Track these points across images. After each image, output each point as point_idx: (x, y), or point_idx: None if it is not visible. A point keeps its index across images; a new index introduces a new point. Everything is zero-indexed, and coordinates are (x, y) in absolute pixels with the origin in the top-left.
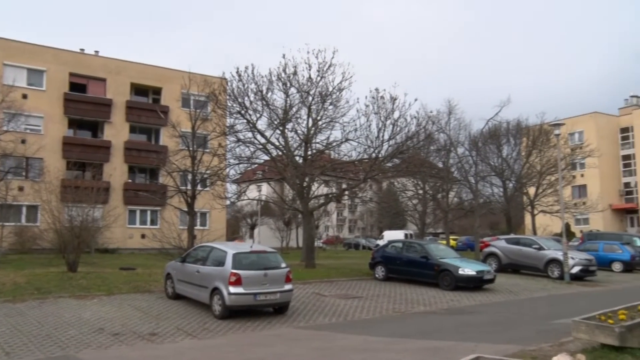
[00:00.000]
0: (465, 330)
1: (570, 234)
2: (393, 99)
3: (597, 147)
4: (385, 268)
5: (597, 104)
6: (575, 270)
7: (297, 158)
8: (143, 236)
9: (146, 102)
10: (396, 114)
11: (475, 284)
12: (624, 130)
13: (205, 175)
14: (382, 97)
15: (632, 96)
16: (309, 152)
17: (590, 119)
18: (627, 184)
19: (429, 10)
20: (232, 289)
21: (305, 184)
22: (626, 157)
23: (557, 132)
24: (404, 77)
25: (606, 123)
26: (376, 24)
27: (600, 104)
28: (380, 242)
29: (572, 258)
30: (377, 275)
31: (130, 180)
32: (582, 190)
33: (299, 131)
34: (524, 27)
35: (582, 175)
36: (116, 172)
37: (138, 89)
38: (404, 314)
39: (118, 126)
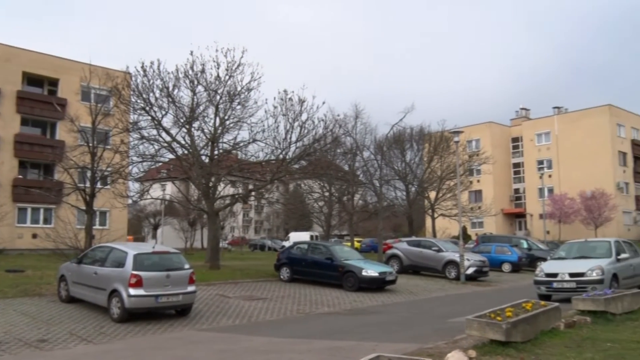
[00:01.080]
0: (367, 330)
1: (466, 237)
2: (301, 101)
3: (492, 155)
4: (290, 269)
5: (493, 114)
6: (470, 271)
7: (203, 157)
8: (34, 236)
9: (41, 93)
10: (304, 116)
11: (378, 285)
12: (515, 139)
13: (106, 173)
14: (290, 99)
15: (522, 108)
16: (216, 152)
17: (486, 128)
18: (517, 190)
19: (341, 14)
20: (132, 291)
21: (211, 184)
22: (516, 165)
23: (456, 139)
24: (313, 80)
25: (500, 133)
26: (287, 25)
27: (496, 114)
28: (286, 244)
29: (468, 260)
30: (282, 277)
31: (20, 176)
32: (477, 195)
33: (205, 130)
34: (430, 36)
35: (478, 181)
36: (4, 167)
37: (31, 79)
38: (308, 314)
39: (7, 118)
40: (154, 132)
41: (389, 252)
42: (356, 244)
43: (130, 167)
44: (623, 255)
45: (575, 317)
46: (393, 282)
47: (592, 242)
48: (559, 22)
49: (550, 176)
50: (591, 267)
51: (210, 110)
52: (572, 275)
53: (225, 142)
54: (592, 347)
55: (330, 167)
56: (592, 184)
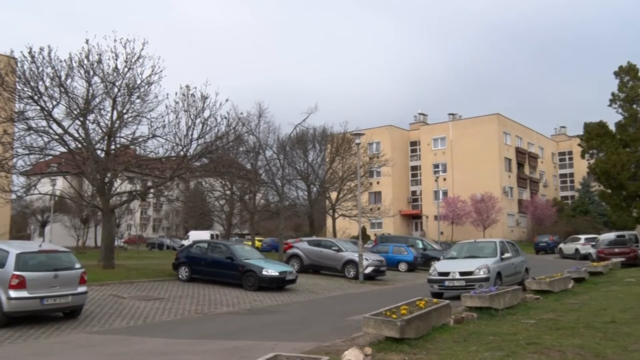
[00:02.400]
0: (267, 329)
1: (365, 237)
2: (204, 98)
3: (391, 158)
4: (189, 269)
5: (393, 118)
6: (369, 270)
7: (98, 152)
8: None
9: None
10: (206, 113)
11: (278, 284)
12: (413, 143)
13: None
14: (192, 95)
15: (420, 113)
16: (113, 147)
17: (386, 131)
18: (414, 192)
19: (249, 14)
20: (13, 293)
21: (107, 180)
22: (414, 168)
23: (357, 141)
24: (217, 77)
25: (399, 136)
26: (191, 21)
27: (396, 118)
28: (186, 243)
29: (366, 259)
30: (180, 276)
31: None
32: (377, 196)
33: (102, 123)
34: (335, 40)
35: (377, 183)
36: None
37: None
38: (207, 315)
39: None
40: (44, 123)
41: (290, 251)
42: (257, 243)
43: (15, 160)
44: (506, 255)
45: (463, 313)
46: (293, 281)
47: (480, 242)
48: (453, 33)
49: (445, 179)
50: (479, 266)
51: (107, 103)
52: (462, 273)
53: (123, 137)
54: (477, 341)
55: (232, 165)
56: (481, 187)
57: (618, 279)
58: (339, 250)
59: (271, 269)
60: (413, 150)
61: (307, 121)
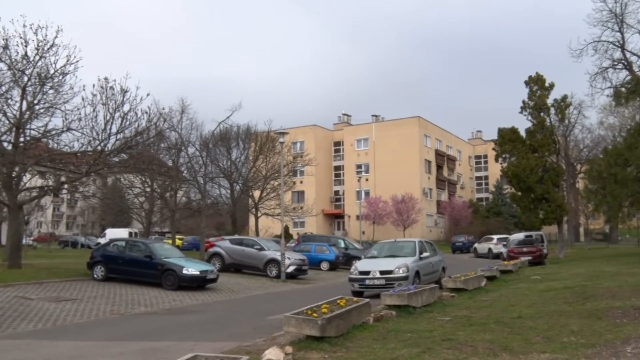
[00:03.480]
0: (186, 329)
1: (288, 236)
2: (124, 91)
3: (315, 157)
4: (105, 268)
5: (318, 118)
6: (291, 269)
7: (5, 144)
8: None
9: None
10: (126, 107)
11: (199, 283)
12: (337, 143)
13: None
14: (112, 88)
15: (344, 114)
16: (22, 139)
17: (310, 131)
18: (337, 192)
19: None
20: None
21: (14, 174)
22: (337, 168)
23: (282, 140)
24: (139, 71)
25: (323, 136)
26: (112, 10)
27: (321, 117)
28: (102, 241)
29: (289, 258)
30: (95, 276)
31: None
32: (300, 195)
33: (9, 114)
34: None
35: (301, 182)
36: None
37: None
38: (123, 315)
39: None
40: None
41: (211, 250)
42: (178, 242)
43: None
44: (425, 254)
45: (383, 311)
46: (214, 280)
47: (400, 242)
48: (377, 36)
49: (367, 180)
50: (398, 265)
51: (16, 92)
52: (382, 272)
53: (33, 129)
54: (395, 338)
55: (152, 161)
56: (402, 188)
57: (525, 277)
58: (262, 249)
59: (192, 268)
60: (337, 151)
61: (231, 118)
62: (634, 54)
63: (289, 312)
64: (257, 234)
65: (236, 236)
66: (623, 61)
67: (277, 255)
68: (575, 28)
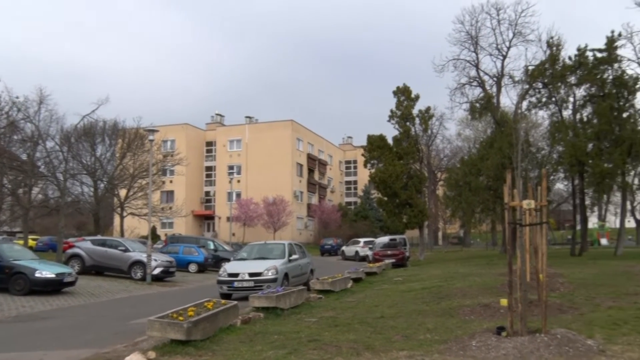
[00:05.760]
0: (36, 338)
1: (155, 237)
2: None
3: (186, 157)
4: None
5: (190, 116)
6: (157, 271)
7: None
8: None
9: None
10: None
11: (55, 287)
12: (209, 144)
13: None
14: None
15: (217, 114)
16: None
17: (182, 130)
18: (207, 193)
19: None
20: None
21: None
22: (209, 169)
23: (151, 137)
24: None
25: (195, 135)
26: None
27: (193, 116)
28: None
29: (155, 260)
30: None
31: None
32: (169, 195)
33: None
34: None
35: (171, 182)
36: None
37: None
38: None
39: None
40: None
41: (70, 251)
42: (31, 242)
43: None
44: (294, 257)
45: (251, 313)
46: (72, 283)
47: (270, 244)
48: (249, 36)
49: (239, 181)
50: (267, 267)
51: None
52: (251, 274)
53: None
54: (263, 340)
55: (3, 154)
56: (274, 190)
57: (389, 278)
58: (126, 250)
59: (46, 271)
60: (209, 151)
61: (97, 113)
62: (486, 74)
63: (153, 316)
64: (122, 234)
65: (99, 237)
66: (477, 79)
67: (142, 257)
68: (440, 46)
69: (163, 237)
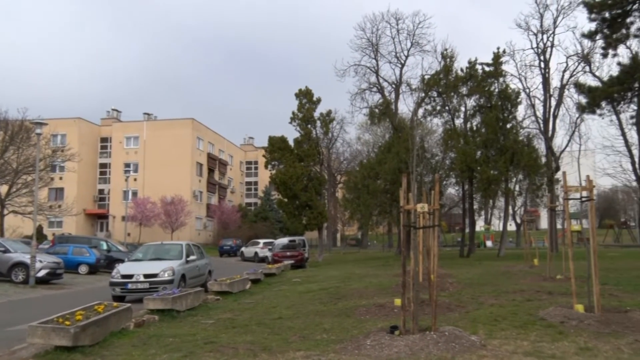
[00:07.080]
0: None
1: (42, 237)
2: None
3: (78, 153)
4: None
5: (82, 110)
6: (42, 273)
7: None
8: None
9: None
10: None
11: None
12: (104, 140)
13: None
14: None
15: (113, 109)
16: None
17: (74, 124)
18: (101, 191)
19: None
20: None
21: None
22: (103, 165)
23: (38, 131)
24: None
25: (88, 131)
26: None
27: (86, 110)
28: None
29: (40, 261)
30: None
31: None
32: (59, 193)
33: None
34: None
35: (60, 178)
36: None
37: None
38: None
39: None
40: None
41: None
42: None
43: None
44: (191, 257)
45: (145, 316)
46: None
47: (167, 244)
48: (141, 30)
49: (135, 179)
50: (164, 268)
51: None
52: (146, 276)
53: None
54: (157, 344)
55: None
56: (173, 190)
57: (287, 279)
58: (6, 251)
59: None
60: (103, 147)
61: None
62: (385, 80)
63: (35, 322)
64: (3, 234)
65: None
66: (377, 85)
67: (25, 258)
68: (343, 50)
69: (51, 237)
